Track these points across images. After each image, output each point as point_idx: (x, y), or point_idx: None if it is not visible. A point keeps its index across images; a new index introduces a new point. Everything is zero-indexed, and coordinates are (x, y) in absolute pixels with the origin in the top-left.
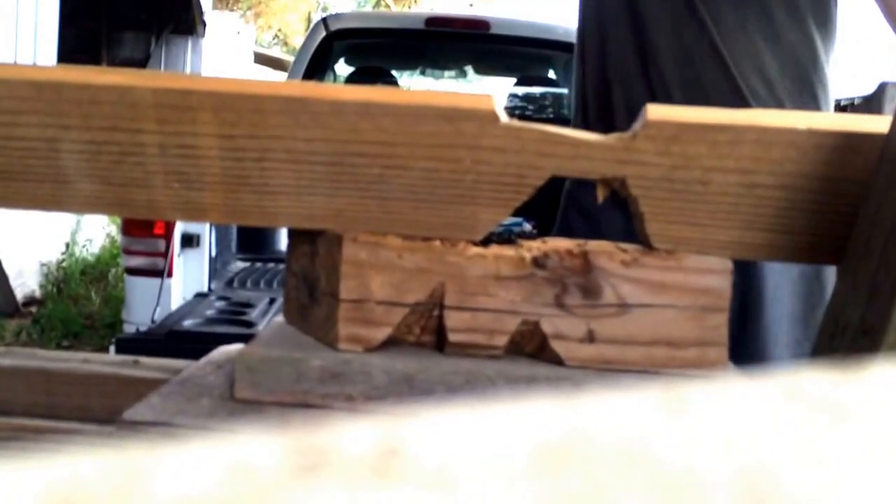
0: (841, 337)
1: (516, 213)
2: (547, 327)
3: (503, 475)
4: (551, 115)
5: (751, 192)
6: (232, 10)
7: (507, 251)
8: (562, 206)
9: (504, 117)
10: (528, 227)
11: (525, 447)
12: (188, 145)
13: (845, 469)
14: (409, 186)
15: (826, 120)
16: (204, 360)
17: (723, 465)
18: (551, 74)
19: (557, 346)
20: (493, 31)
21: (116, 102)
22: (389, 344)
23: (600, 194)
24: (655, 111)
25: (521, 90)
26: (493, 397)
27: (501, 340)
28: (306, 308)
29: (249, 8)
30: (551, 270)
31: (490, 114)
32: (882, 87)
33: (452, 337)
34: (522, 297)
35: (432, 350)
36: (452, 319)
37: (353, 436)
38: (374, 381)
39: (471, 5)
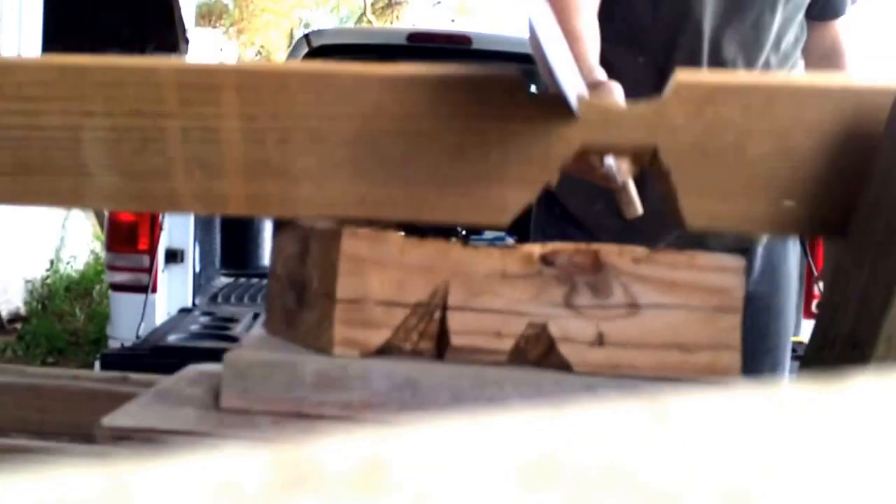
0: (830, 349)
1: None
2: (555, 329)
3: (486, 491)
4: None
5: (788, 157)
6: (215, 26)
7: (514, 249)
8: (542, 216)
9: (530, 87)
10: (510, 241)
11: (508, 464)
12: (211, 128)
13: (828, 484)
14: (434, 165)
15: (862, 79)
16: (175, 376)
17: (705, 482)
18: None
19: (565, 349)
20: (475, 46)
21: (141, 84)
22: (385, 352)
23: (632, 170)
24: (685, 74)
25: None
26: (501, 404)
27: (507, 344)
28: (293, 314)
29: (232, 24)
30: (560, 268)
31: (517, 82)
32: None
33: (455, 340)
34: (529, 297)
35: (431, 358)
36: (456, 321)
37: (336, 451)
38: (373, 387)
39: (453, 21)
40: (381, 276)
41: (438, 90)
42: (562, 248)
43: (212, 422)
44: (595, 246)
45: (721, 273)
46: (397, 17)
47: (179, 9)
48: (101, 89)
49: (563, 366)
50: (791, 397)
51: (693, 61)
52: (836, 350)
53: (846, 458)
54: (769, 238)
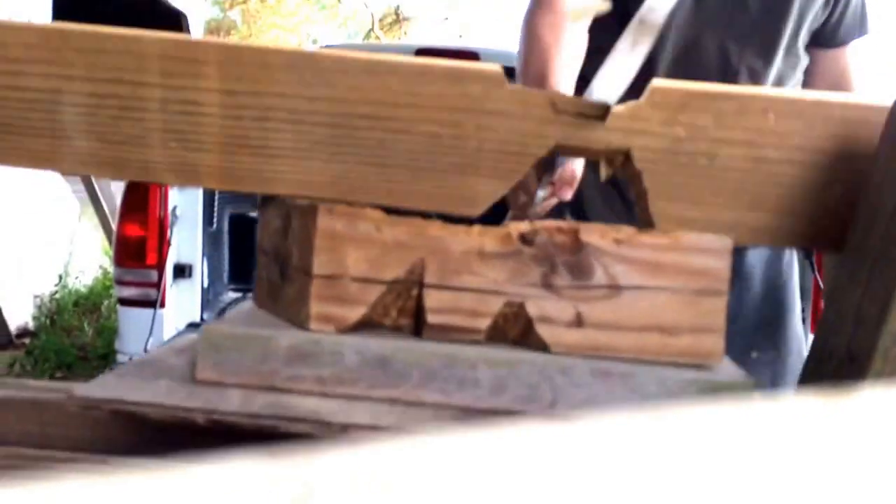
0: (827, 363)
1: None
2: (532, 309)
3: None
4: None
5: (757, 167)
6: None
7: (494, 227)
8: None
9: (509, 82)
10: None
11: (510, 482)
12: (190, 100)
13: (828, 495)
14: (410, 152)
15: (837, 95)
16: (166, 346)
17: (708, 491)
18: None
19: (543, 330)
20: (482, 61)
21: (122, 52)
22: (364, 327)
23: (603, 172)
24: (662, 81)
25: None
26: (472, 383)
27: (483, 323)
28: (277, 288)
29: (240, 39)
30: (539, 248)
31: (497, 76)
32: None
33: (431, 318)
34: (507, 277)
35: (409, 334)
36: (432, 299)
37: (338, 463)
38: (345, 363)
39: (460, 36)
40: (357, 252)
41: (418, 80)
42: (542, 226)
43: (181, 394)
44: (576, 225)
45: (706, 255)
46: (405, 32)
47: (188, 24)
48: (82, 55)
49: (542, 346)
50: (791, 410)
51: None
52: (833, 364)
53: (846, 470)
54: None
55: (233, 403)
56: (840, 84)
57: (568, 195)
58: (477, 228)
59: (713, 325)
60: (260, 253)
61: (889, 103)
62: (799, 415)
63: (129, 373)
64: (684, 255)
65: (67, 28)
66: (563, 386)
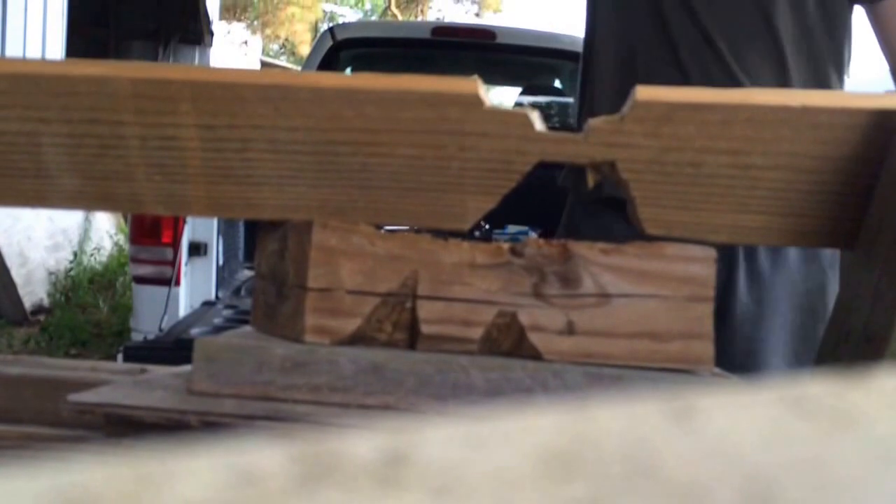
0: (845, 344)
1: (523, 222)
2: (524, 318)
3: (509, 483)
4: (557, 124)
5: (745, 173)
6: (239, 19)
7: (483, 243)
8: (567, 208)
9: (488, 101)
10: (534, 235)
11: (530, 455)
12: (169, 136)
13: (847, 478)
14: (394, 175)
15: (822, 97)
16: (166, 369)
17: (727, 475)
18: (557, 83)
19: (535, 338)
20: (499, 40)
21: (95, 93)
22: (360, 342)
23: (590, 180)
24: (644, 92)
25: (527, 99)
26: (466, 389)
27: (476, 333)
28: (273, 308)
29: (257, 17)
30: (528, 259)
31: (473, 97)
32: None
33: (425, 329)
34: (499, 287)
35: (405, 349)
36: (425, 310)
37: (357, 443)
38: (340, 371)
39: (477, 15)
40: (351, 266)
41: (395, 105)
42: (531, 241)
43: (176, 401)
44: (563, 240)
45: (691, 263)
46: (422, 11)
47: (204, 1)
48: (56, 98)
49: (535, 355)
50: (808, 391)
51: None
52: (850, 345)
53: (865, 449)
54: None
55: (227, 408)
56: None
57: None
58: (468, 243)
59: (702, 331)
60: (257, 278)
61: (877, 104)
62: (817, 395)
63: (124, 386)
64: (669, 264)
65: (38, 72)
66: (556, 389)
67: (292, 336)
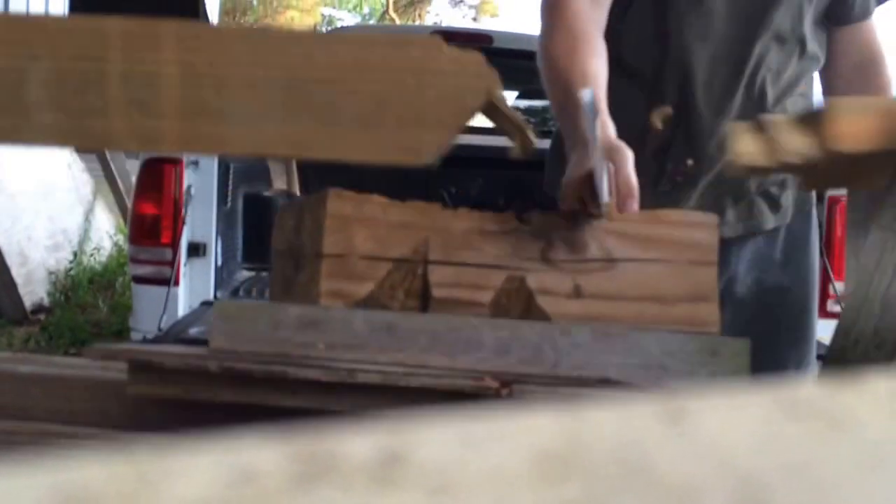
0: (853, 350)
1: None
2: (533, 282)
3: (504, 483)
4: (554, 128)
5: None
6: (239, 21)
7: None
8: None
9: (446, 46)
10: None
11: (525, 455)
12: (150, 73)
13: (839, 481)
14: (358, 111)
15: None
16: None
17: (719, 476)
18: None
19: (544, 301)
20: (496, 44)
21: (86, 31)
22: (373, 307)
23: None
24: None
25: (524, 103)
26: (477, 346)
27: (486, 297)
28: (291, 280)
29: (256, 20)
30: (536, 225)
31: (437, 43)
32: None
33: (436, 292)
34: (507, 252)
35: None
36: (436, 274)
37: (354, 442)
38: (354, 330)
39: (474, 20)
40: (364, 233)
41: (364, 46)
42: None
43: (196, 353)
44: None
45: (694, 228)
46: (419, 15)
47: (204, 3)
48: (47, 37)
49: (544, 318)
50: (802, 394)
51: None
52: (859, 349)
53: (857, 451)
54: (792, 228)
55: (245, 358)
56: (867, 67)
57: (635, 207)
58: (476, 212)
59: (707, 294)
60: (275, 255)
61: None
62: (809, 398)
63: (146, 344)
64: (673, 229)
65: (34, 17)
66: (564, 347)
67: (308, 301)
